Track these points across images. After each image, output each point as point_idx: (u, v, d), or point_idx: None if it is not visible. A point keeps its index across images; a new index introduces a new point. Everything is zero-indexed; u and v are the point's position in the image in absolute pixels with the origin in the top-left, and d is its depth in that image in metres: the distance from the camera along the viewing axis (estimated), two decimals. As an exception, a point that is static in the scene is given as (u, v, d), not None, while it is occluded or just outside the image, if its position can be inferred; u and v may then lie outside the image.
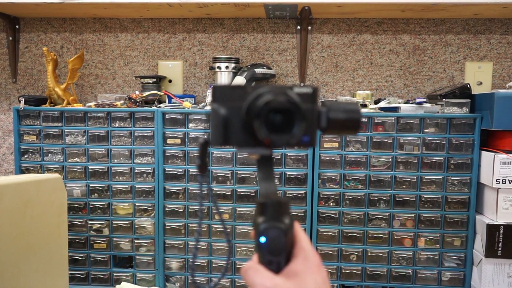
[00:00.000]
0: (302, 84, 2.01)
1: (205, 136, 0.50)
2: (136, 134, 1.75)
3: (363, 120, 1.67)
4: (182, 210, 1.75)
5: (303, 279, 0.45)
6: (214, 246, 1.75)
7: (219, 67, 1.90)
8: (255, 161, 0.52)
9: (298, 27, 2.00)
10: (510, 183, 1.53)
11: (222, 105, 0.47)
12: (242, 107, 0.46)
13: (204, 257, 1.75)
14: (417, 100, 1.73)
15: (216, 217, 1.74)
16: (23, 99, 1.78)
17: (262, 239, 0.47)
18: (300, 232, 0.50)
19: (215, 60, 1.92)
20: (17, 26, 2.11)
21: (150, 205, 1.76)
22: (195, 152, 1.72)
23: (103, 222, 1.78)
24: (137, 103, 1.79)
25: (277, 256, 0.47)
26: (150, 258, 1.78)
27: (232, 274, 1.75)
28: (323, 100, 0.46)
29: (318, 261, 0.48)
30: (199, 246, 1.76)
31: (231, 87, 0.47)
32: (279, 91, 0.46)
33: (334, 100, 1.83)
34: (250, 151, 0.49)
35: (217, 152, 1.72)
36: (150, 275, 1.78)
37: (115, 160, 1.76)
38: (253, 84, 1.91)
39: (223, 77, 1.90)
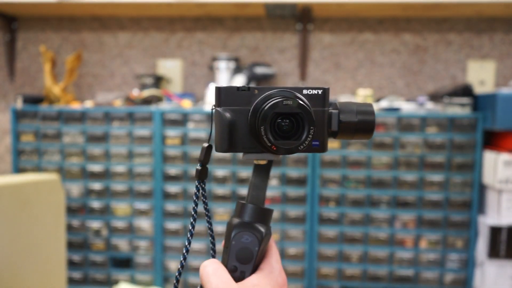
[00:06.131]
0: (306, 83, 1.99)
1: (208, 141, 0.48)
2: (135, 134, 1.73)
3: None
4: (181, 211, 1.73)
5: None
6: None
7: (218, 67, 1.88)
8: (252, 165, 0.49)
9: (299, 26, 1.98)
10: (513, 183, 1.51)
11: (227, 109, 0.43)
12: (248, 111, 0.43)
13: (204, 257, 1.73)
14: (419, 100, 1.71)
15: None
16: (21, 96, 1.76)
17: (233, 242, 0.44)
18: (273, 249, 0.47)
19: (214, 59, 1.90)
20: (14, 25, 2.09)
21: (148, 206, 1.74)
22: (194, 152, 1.70)
23: (101, 223, 1.76)
24: (136, 103, 1.77)
25: (245, 265, 0.44)
26: (149, 259, 1.76)
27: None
28: (334, 102, 0.45)
29: (283, 282, 0.44)
30: (197, 249, 1.75)
31: (236, 89, 0.44)
32: (288, 94, 0.43)
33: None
34: (257, 157, 0.46)
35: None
36: (149, 276, 1.76)
37: (113, 159, 1.74)
38: (257, 84, 1.89)
39: (223, 77, 1.88)
